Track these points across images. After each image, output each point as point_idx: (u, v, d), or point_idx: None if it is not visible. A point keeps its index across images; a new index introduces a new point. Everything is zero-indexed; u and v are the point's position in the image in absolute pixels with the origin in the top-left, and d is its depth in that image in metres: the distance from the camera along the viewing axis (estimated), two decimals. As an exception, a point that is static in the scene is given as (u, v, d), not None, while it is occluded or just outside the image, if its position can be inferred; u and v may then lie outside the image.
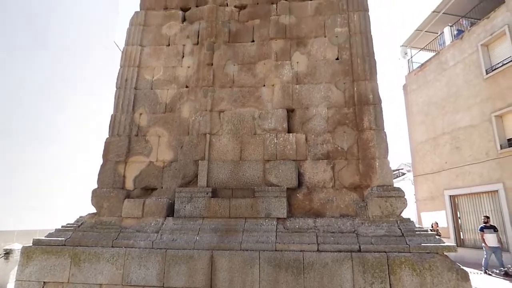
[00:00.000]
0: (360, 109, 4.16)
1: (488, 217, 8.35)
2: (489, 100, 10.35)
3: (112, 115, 4.70)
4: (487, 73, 10.55)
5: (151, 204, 4.11)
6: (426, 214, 12.42)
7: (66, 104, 9.90)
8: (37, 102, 8.86)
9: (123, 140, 4.56)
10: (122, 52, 4.95)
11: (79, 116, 10.40)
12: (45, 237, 3.99)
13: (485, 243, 7.93)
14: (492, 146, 9.93)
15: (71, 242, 3.83)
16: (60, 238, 3.88)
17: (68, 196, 9.32)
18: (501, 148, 9.60)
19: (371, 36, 4.42)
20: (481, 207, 10.26)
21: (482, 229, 8.09)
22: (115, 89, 4.86)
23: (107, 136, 4.62)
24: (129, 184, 4.42)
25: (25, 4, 8.48)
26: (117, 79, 4.89)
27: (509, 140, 9.63)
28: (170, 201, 4.17)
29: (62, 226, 4.19)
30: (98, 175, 4.45)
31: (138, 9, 5.28)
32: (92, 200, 4.27)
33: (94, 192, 4.31)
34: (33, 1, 8.78)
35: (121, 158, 4.49)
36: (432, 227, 8.39)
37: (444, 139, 12.06)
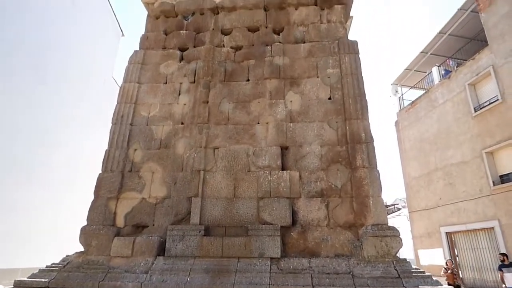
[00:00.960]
0: (353, 147, 4.23)
1: (505, 255, 7.52)
2: (479, 137, 10.58)
3: (106, 150, 4.70)
4: (475, 111, 10.87)
5: (141, 242, 4.01)
6: (424, 252, 12.20)
7: (60, 141, 9.86)
8: (32, 140, 8.82)
9: (116, 175, 4.53)
10: (120, 89, 5.06)
11: (73, 153, 10.34)
12: (28, 278, 3.82)
13: (504, 284, 7.19)
14: (485, 183, 10.00)
15: (55, 283, 3.67)
16: (43, 280, 3.71)
17: (57, 234, 9.04)
18: (494, 185, 9.67)
19: (361, 77, 4.60)
20: (478, 244, 10.13)
21: (500, 268, 7.30)
22: (111, 124, 4.90)
23: (100, 172, 4.59)
24: (120, 221, 4.32)
25: (25, 38, 8.71)
26: (113, 115, 4.95)
27: (501, 176, 9.72)
28: (162, 239, 4.07)
29: (46, 266, 4.03)
30: (89, 211, 4.37)
31: (138, 48, 5.48)
32: (80, 237, 4.15)
33: (83, 229, 4.20)
34: (33, 35, 9.02)
35: (113, 194, 4.43)
36: (446, 265, 7.97)
37: (437, 175, 12.14)
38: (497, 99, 10.03)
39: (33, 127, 8.84)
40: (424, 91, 13.82)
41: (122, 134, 4.79)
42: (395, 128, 15.26)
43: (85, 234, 4.14)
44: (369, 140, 4.24)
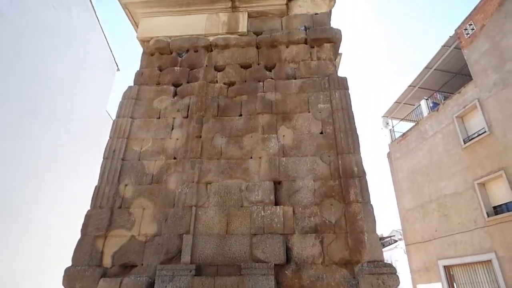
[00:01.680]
0: (345, 181, 4.23)
1: None
2: (470, 168, 10.71)
3: (96, 186, 4.62)
4: (465, 143, 11.08)
5: (129, 284, 3.83)
6: (423, 287, 11.87)
7: (49, 177, 9.69)
8: (18, 175, 8.65)
9: (105, 212, 4.42)
10: (113, 123, 5.07)
11: (61, 189, 10.14)
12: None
13: None
14: (479, 214, 9.99)
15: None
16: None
17: (44, 276, 8.64)
18: (488, 216, 9.66)
19: (352, 112, 4.70)
20: (476, 278, 9.93)
21: None
22: (102, 159, 4.86)
23: (89, 209, 4.48)
24: (107, 261, 4.15)
25: (16, 68, 8.78)
26: (105, 149, 4.92)
27: (494, 207, 9.74)
28: (150, 280, 3.90)
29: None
30: (74, 251, 4.20)
31: (132, 84, 5.57)
32: (63, 280, 3.96)
33: (66, 270, 4.01)
34: (25, 65, 9.10)
35: (101, 232, 4.29)
36: None
37: (432, 207, 12.11)
38: (485, 131, 10.28)
39: (20, 162, 8.70)
40: (414, 124, 14.14)
41: (113, 169, 4.74)
42: (387, 160, 15.40)
43: (69, 276, 3.95)
44: (362, 174, 4.25)
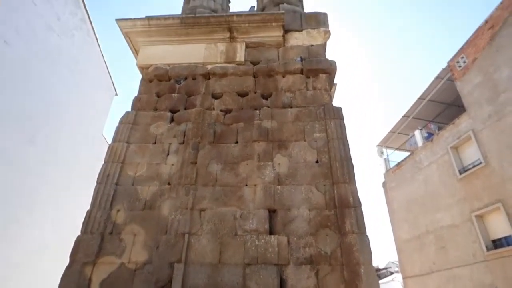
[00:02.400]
0: (341, 211, 4.21)
1: None
2: (466, 200, 10.70)
3: (87, 211, 4.56)
4: (460, 174, 11.14)
5: (116, 315, 3.68)
6: (422, 324, 11.49)
7: (42, 203, 9.57)
8: (11, 200, 8.53)
9: (95, 238, 4.33)
10: (108, 148, 5.08)
11: (54, 215, 9.98)
12: None
13: None
14: (478, 248, 9.87)
15: None
16: None
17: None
18: (487, 250, 9.54)
19: (347, 141, 4.76)
20: (478, 316, 9.64)
21: None
22: (96, 184, 4.83)
23: (79, 234, 4.39)
24: (95, 290, 4.02)
25: (15, 95, 8.88)
26: (99, 174, 4.90)
27: (493, 241, 9.64)
28: (138, 312, 3.76)
29: None
30: (61, 279, 4.07)
31: (129, 109, 5.65)
32: (48, 310, 3.81)
33: (52, 300, 3.87)
34: (23, 91, 9.23)
35: (90, 258, 4.19)
36: None
37: (429, 238, 11.97)
38: (480, 162, 10.37)
39: (16, 186, 8.60)
40: (409, 153, 14.26)
41: (106, 194, 4.70)
42: (383, 189, 15.39)
43: (54, 306, 3.80)
44: (357, 205, 4.24)
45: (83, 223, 4.46)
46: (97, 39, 12.78)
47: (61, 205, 10.32)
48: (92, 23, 12.52)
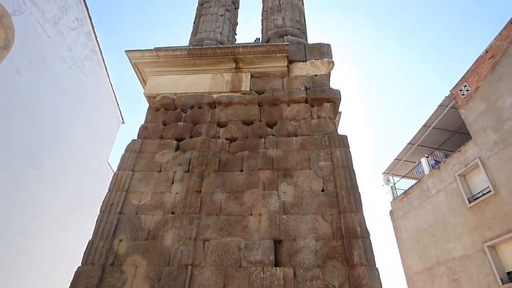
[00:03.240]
0: (348, 242, 4.09)
1: None
2: (477, 230, 10.40)
3: (89, 241, 4.48)
4: (469, 202, 10.91)
5: None
6: None
7: (43, 230, 9.48)
8: (12, 227, 8.47)
9: (96, 269, 4.22)
10: (113, 176, 5.08)
11: (55, 244, 9.85)
12: None
13: None
14: (493, 280, 9.46)
15: None
16: None
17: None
18: (502, 283, 9.13)
19: (353, 169, 4.72)
20: None
21: None
22: (99, 212, 4.78)
23: (79, 265, 4.29)
24: (93, 326, 3.86)
25: (23, 122, 9.04)
26: (103, 202, 4.86)
27: (508, 273, 9.25)
28: None
29: None
30: (60, 313, 3.94)
31: (135, 137, 5.70)
32: None
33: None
34: (32, 119, 9.40)
35: (90, 291, 4.06)
36: None
37: (441, 270, 11.53)
38: (490, 191, 10.17)
39: (20, 213, 8.56)
40: (416, 181, 14.07)
41: (109, 223, 4.63)
42: (390, 218, 15.05)
43: None
44: (365, 235, 4.13)
45: (84, 254, 4.37)
46: (106, 69, 13.16)
47: (64, 233, 10.19)
48: (102, 54, 12.95)
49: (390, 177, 15.86)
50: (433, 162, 13.67)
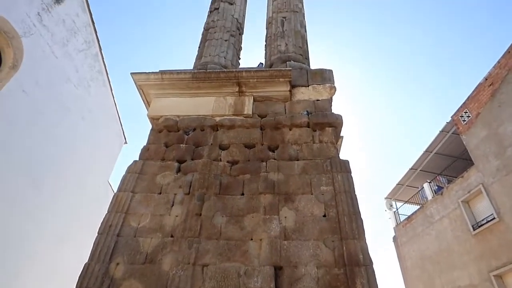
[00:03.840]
0: (351, 270, 3.99)
1: None
2: (483, 258, 10.15)
3: (85, 264, 4.39)
4: (474, 229, 10.72)
5: None
6: None
7: (37, 252, 9.32)
8: (17, 250, 8.35)
9: (91, 294, 4.11)
10: (113, 198, 5.04)
11: (50, 266, 9.67)
12: None
13: None
14: (500, 312, 9.14)
15: None
16: None
17: None
18: (510, 315, 8.81)
19: (355, 195, 4.67)
20: None
21: None
22: (97, 234, 4.71)
23: (75, 290, 4.19)
24: None
25: (23, 142, 9.07)
26: (101, 224, 4.80)
27: (516, 305, 8.95)
28: None
29: None
30: None
31: (137, 158, 5.70)
32: None
33: None
34: (33, 139, 9.43)
35: (83, 317, 3.94)
36: None
37: (447, 300, 11.17)
38: (494, 218, 10.02)
39: (19, 234, 8.45)
40: (419, 207, 13.90)
41: (106, 246, 4.55)
42: (393, 244, 14.76)
43: None
44: (368, 263, 4.03)
45: (79, 277, 4.27)
46: (111, 89, 13.38)
47: (61, 257, 10.00)
48: (108, 75, 13.20)
49: (393, 202, 15.68)
50: (436, 187, 13.54)
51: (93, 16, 12.16)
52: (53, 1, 10.24)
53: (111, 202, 4.99)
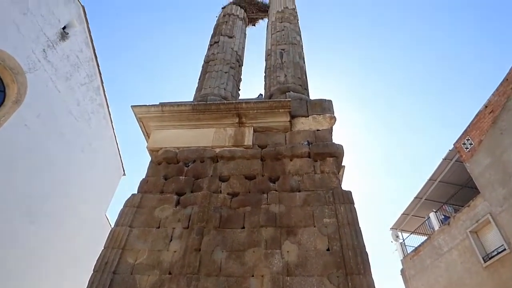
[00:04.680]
0: (358, 309, 3.82)
1: None
2: (496, 292, 9.76)
3: (79, 304, 4.23)
4: (485, 261, 10.40)
5: None
6: None
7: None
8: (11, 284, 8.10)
9: (84, 337, 3.92)
10: (110, 233, 4.95)
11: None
12: None
13: None
14: None
15: None
16: None
17: None
18: None
19: (359, 227, 4.57)
20: None
21: None
22: (92, 272, 4.57)
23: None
24: None
25: (20, 173, 9.04)
26: (97, 261, 4.67)
27: None
28: None
29: None
30: None
31: (136, 191, 5.65)
32: None
33: None
34: (30, 171, 9.42)
35: None
36: None
37: None
38: (505, 249, 9.74)
39: (13, 268, 8.21)
40: (426, 237, 13.57)
41: (101, 284, 4.40)
42: (401, 277, 14.25)
43: None
44: (375, 300, 3.87)
45: (73, 319, 4.09)
46: (111, 122, 13.54)
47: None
48: (109, 108, 13.42)
49: (399, 233, 15.32)
50: (443, 217, 13.29)
51: (96, 51, 12.58)
52: (59, 38, 10.64)
53: (107, 237, 4.89)
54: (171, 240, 4.82)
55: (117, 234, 4.90)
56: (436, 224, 13.06)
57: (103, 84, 13.00)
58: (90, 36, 12.32)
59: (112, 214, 14.43)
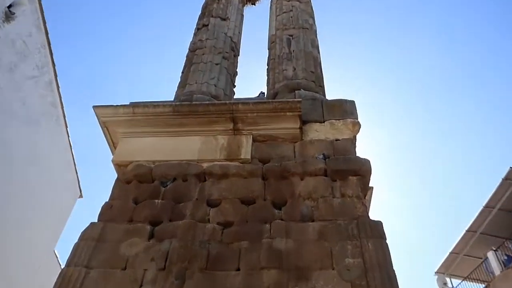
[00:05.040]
0: None
1: None
2: None
3: None
4: None
5: None
6: None
7: None
8: None
9: None
10: (59, 275, 4.88)
11: None
12: None
13: None
14: None
15: None
16: None
17: None
18: None
19: (393, 271, 4.50)
20: None
21: None
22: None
23: None
24: None
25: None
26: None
27: None
28: None
29: None
30: None
31: (96, 219, 5.61)
32: None
33: None
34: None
35: None
36: None
37: None
38: None
39: None
40: (485, 285, 13.44)
41: None
42: None
43: None
44: None
45: None
46: (66, 127, 13.60)
47: None
48: (64, 108, 13.49)
49: (447, 279, 15.16)
50: (505, 257, 13.16)
51: (49, 36, 12.70)
52: (2, 18, 10.74)
53: (56, 282, 4.82)
54: (141, 286, 4.75)
55: (69, 277, 4.83)
56: (496, 267, 12.91)
57: (57, 78, 13.09)
58: (43, 17, 12.46)
59: (63, 250, 14.30)
